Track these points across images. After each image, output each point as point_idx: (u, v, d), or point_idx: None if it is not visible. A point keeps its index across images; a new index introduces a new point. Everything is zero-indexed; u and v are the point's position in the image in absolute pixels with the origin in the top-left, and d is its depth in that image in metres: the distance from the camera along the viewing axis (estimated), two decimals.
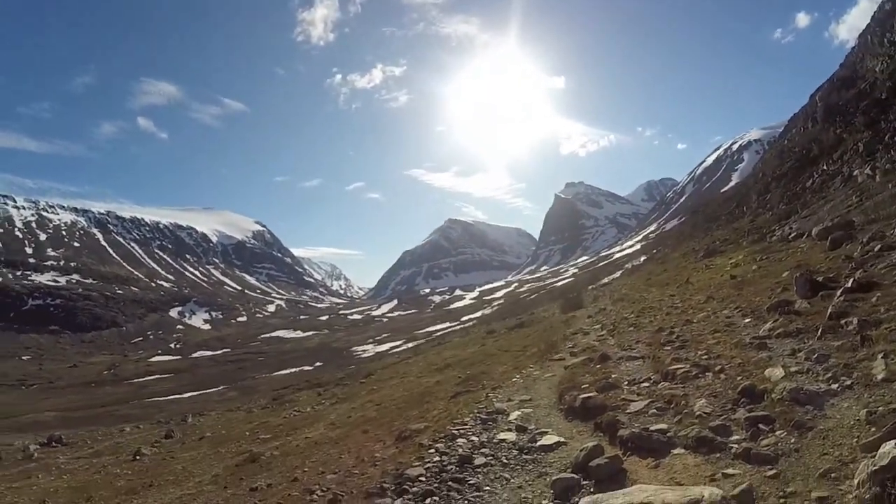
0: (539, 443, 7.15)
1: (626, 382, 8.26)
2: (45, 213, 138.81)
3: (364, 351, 65.25)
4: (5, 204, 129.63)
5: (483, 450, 7.82)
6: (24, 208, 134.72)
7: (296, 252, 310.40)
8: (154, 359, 78.18)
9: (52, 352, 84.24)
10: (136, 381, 56.99)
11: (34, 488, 14.47)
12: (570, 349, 13.07)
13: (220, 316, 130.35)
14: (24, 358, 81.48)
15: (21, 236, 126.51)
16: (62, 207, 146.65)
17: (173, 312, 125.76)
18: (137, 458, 16.76)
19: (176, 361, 75.40)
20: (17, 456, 21.10)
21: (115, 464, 16.56)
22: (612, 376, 8.66)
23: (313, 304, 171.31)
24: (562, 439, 7.00)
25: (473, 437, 8.47)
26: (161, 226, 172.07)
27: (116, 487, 12.83)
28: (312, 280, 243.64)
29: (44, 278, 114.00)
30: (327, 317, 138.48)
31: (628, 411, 6.78)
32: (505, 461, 7.16)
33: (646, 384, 8.06)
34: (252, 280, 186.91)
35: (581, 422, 7.39)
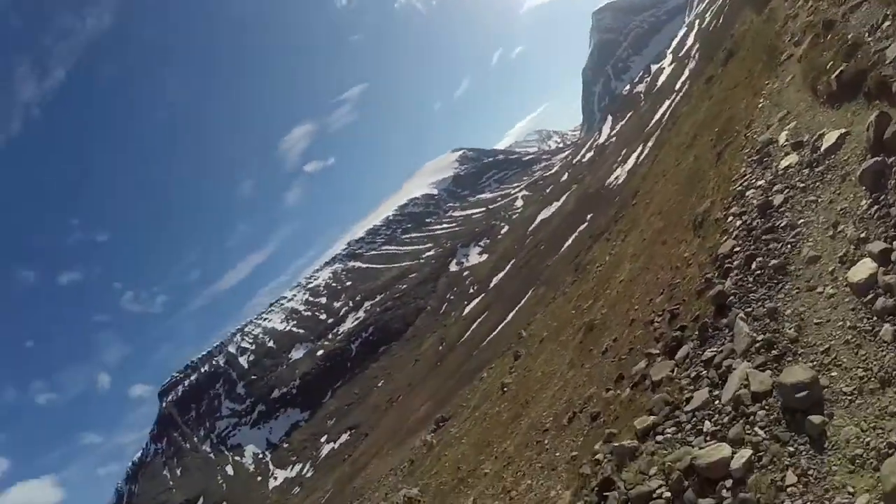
0: (823, 147, 6.61)
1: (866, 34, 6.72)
2: (301, 281, 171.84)
3: (616, 178, 63.45)
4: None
5: (775, 187, 7.54)
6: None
7: (501, 145, 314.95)
8: (465, 311, 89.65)
9: (393, 367, 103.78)
10: (464, 338, 66.37)
11: (447, 464, 17.77)
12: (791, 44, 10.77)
13: (487, 241, 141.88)
14: (380, 384, 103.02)
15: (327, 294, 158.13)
16: (316, 273, 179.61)
17: (453, 267, 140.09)
18: (504, 390, 18.52)
19: (480, 302, 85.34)
20: (421, 450, 24.84)
21: (491, 405, 18.88)
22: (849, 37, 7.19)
23: (548, 175, 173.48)
24: (842, 130, 6.34)
25: (759, 182, 8.16)
26: (391, 217, 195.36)
27: (502, 422, 15.12)
28: (531, 155, 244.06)
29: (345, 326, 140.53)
30: (566, 175, 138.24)
31: (889, 61, 5.68)
32: (802, 185, 6.87)
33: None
34: (486, 195, 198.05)
35: (848, 102, 6.46)
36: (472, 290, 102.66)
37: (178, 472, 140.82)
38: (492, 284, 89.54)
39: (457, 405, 26.94)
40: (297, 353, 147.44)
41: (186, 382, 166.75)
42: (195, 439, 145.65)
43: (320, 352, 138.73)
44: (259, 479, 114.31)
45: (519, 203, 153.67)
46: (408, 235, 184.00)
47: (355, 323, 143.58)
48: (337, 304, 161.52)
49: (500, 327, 48.78)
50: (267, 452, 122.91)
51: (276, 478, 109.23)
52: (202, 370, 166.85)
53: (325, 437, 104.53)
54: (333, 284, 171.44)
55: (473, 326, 65.21)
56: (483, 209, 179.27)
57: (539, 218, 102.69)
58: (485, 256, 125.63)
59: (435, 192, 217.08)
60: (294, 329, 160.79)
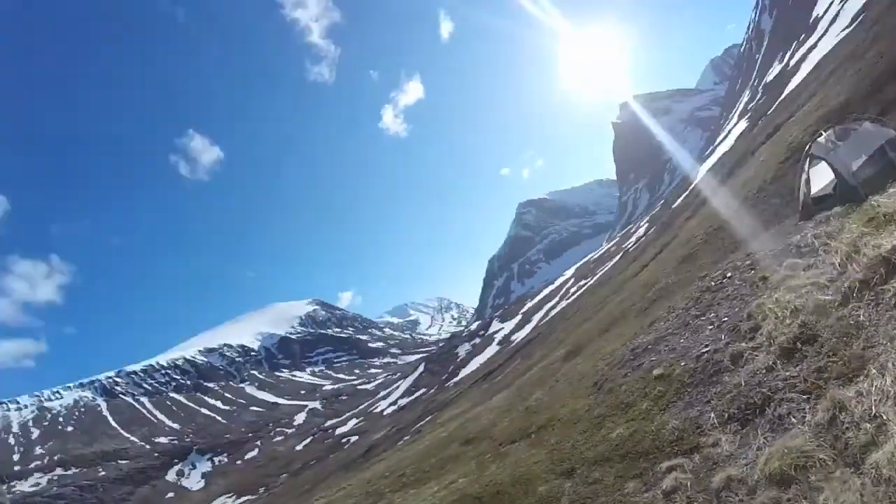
0: None
1: None
2: (47, 404, 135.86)
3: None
4: (7, 410, 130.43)
5: None
6: (25, 407, 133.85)
7: (394, 305, 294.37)
8: None
9: None
10: None
11: None
12: None
13: (225, 459, 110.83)
14: None
15: (13, 442, 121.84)
16: (68, 388, 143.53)
17: (170, 475, 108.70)
18: None
19: None
20: None
21: None
22: None
23: (374, 372, 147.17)
24: None
25: None
26: (181, 362, 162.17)
27: None
28: (381, 342, 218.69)
29: (26, 485, 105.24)
30: (366, 403, 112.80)
31: None
32: None
33: None
34: (303, 377, 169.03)
35: None
36: None
37: None
38: None
39: None
40: None
41: None
42: None
43: None
44: None
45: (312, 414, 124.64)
46: (174, 396, 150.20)
47: (32, 488, 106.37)
48: (36, 450, 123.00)
49: None
50: None
51: None
52: None
53: None
54: (61, 420, 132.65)
55: None
56: (280, 399, 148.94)
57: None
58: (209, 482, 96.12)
59: (255, 346, 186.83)
60: None
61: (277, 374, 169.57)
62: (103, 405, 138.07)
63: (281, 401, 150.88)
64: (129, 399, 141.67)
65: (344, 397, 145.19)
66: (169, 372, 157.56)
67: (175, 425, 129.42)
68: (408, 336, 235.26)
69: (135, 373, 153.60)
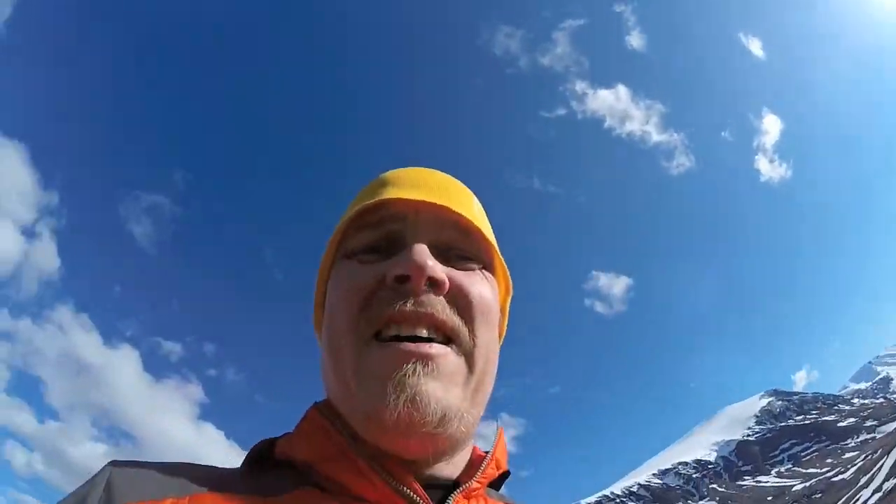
0: None
1: None
2: None
3: None
4: None
5: None
6: None
7: (857, 368, 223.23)
8: None
9: None
10: None
11: None
12: None
13: None
14: None
15: None
16: None
17: None
18: None
19: None
20: None
21: None
22: None
23: (849, 456, 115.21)
24: None
25: None
26: (635, 488, 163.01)
27: None
28: (852, 418, 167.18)
29: None
30: (845, 496, 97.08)
31: None
32: None
33: None
34: (768, 481, 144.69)
35: None
36: None
37: None
38: None
39: None
40: None
41: None
42: None
43: None
44: None
45: None
46: None
47: None
48: None
49: None
50: None
51: None
52: None
53: None
54: None
55: None
56: None
57: None
58: None
59: (711, 458, 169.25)
60: None
61: (739, 483, 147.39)
62: None
63: None
64: None
65: (818, 495, 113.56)
66: (624, 500, 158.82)
67: None
68: (881, 400, 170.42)
69: None
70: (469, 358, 0.73)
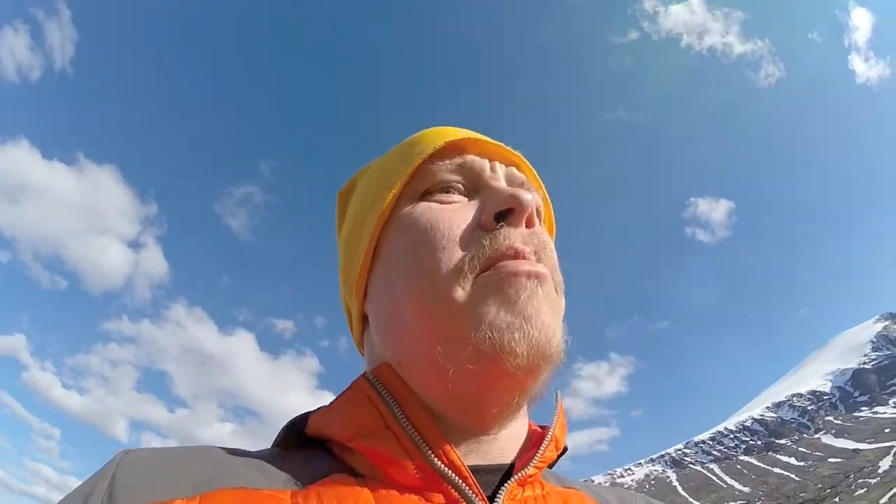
0: None
1: None
2: (619, 480, 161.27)
3: None
4: None
5: None
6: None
7: None
8: None
9: None
10: None
11: None
12: None
13: None
14: None
15: None
16: (639, 464, 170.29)
17: None
18: None
19: None
20: None
21: None
22: None
23: None
24: None
25: None
26: (749, 423, 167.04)
27: None
28: None
29: None
30: None
31: None
32: None
33: None
34: (885, 412, 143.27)
35: None
36: None
37: None
38: None
39: None
40: None
41: None
42: None
43: None
44: None
45: None
46: (744, 459, 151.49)
47: None
48: None
49: None
50: None
51: None
52: None
53: None
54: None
55: None
56: (860, 444, 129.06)
57: None
58: None
59: (826, 388, 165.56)
60: None
61: (856, 414, 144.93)
62: (672, 476, 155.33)
63: (862, 446, 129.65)
64: (698, 467, 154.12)
65: None
66: (738, 435, 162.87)
67: (745, 489, 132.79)
68: None
69: (703, 441, 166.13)
70: (559, 291, 0.69)
